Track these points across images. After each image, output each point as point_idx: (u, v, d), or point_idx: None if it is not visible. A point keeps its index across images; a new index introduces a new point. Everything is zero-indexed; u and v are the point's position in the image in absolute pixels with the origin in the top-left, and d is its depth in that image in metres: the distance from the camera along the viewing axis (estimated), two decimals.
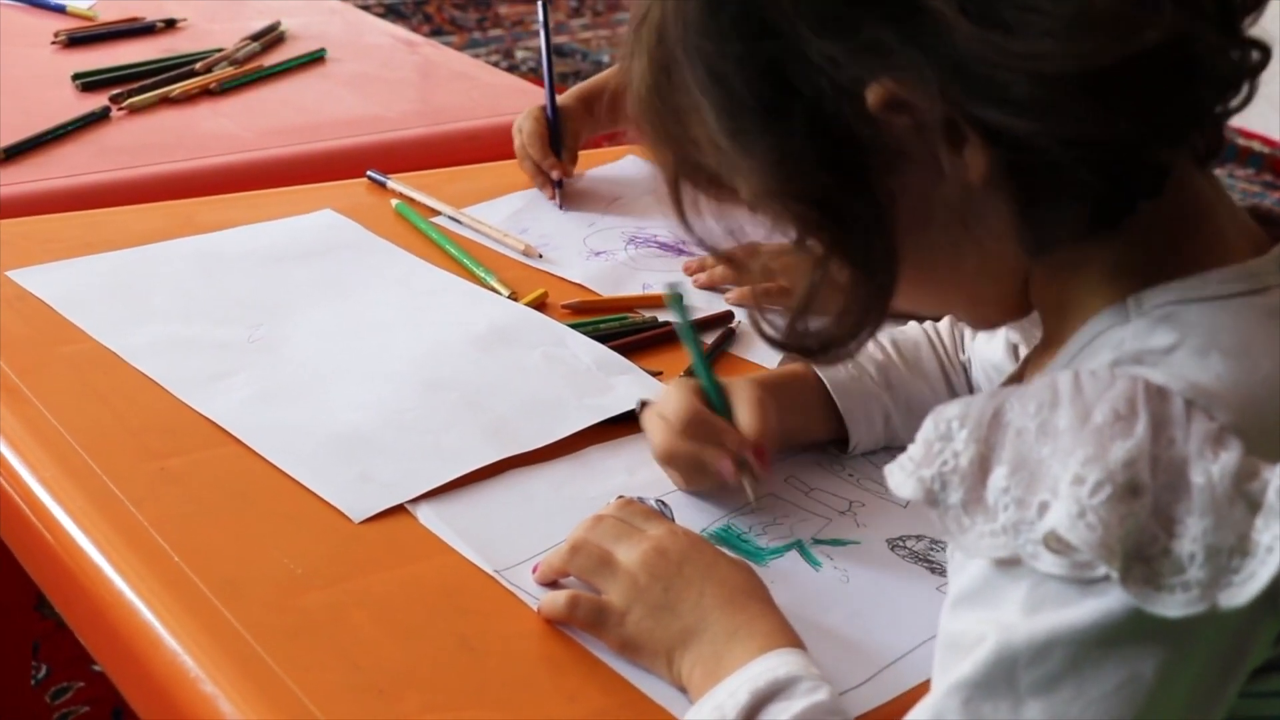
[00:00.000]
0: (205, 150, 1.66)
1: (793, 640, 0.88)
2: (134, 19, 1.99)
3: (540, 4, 1.60)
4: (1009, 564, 0.67)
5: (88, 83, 1.76)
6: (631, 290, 1.40)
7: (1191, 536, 0.63)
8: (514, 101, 1.90)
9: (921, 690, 0.73)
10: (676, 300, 1.13)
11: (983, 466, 0.67)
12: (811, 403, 1.12)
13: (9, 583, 1.54)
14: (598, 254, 1.47)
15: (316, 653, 0.90)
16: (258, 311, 1.28)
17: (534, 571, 0.96)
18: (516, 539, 1.01)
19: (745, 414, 1.06)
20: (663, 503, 1.01)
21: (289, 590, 0.95)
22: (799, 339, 0.79)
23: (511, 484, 1.08)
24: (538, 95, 1.96)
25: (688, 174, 0.80)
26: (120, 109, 1.72)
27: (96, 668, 1.95)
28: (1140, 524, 0.64)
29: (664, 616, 0.90)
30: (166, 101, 1.76)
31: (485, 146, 1.78)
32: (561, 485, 1.08)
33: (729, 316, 1.35)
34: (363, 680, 0.88)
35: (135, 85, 1.76)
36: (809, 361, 0.86)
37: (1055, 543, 0.65)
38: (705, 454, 1.04)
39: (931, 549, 1.02)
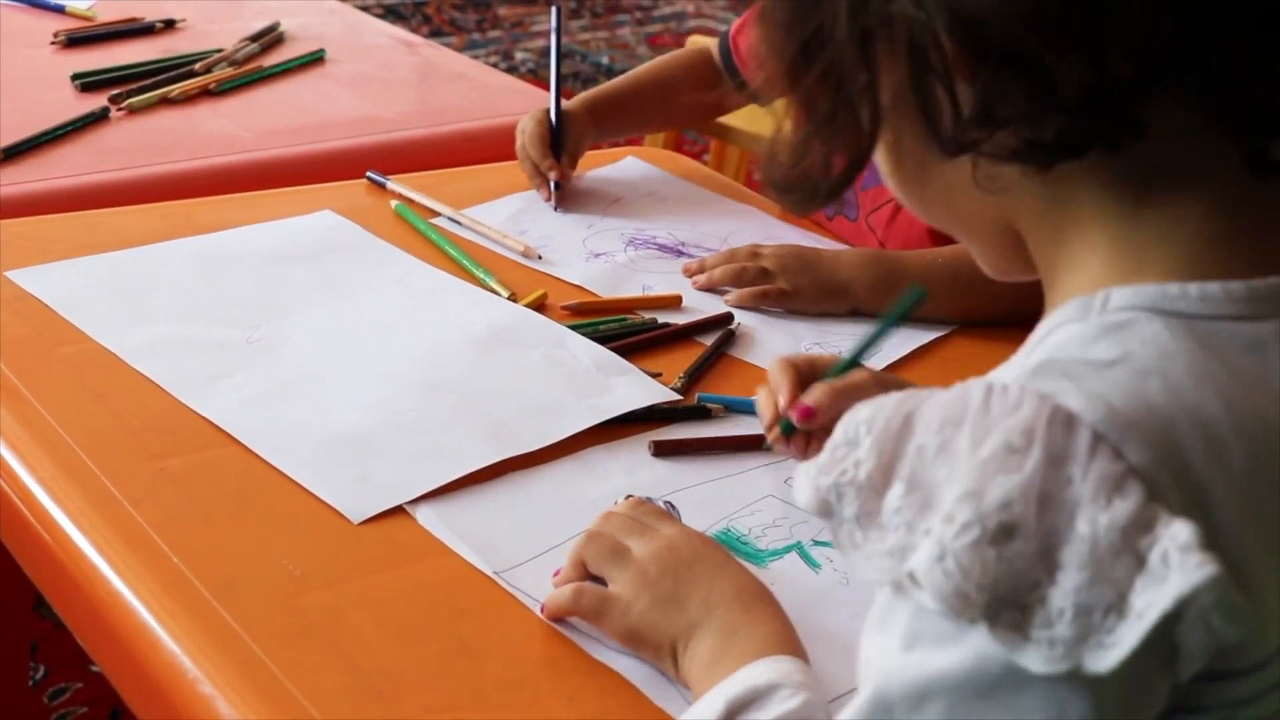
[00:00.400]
0: (204, 151, 1.66)
1: (790, 647, 0.87)
2: (133, 19, 1.98)
3: (554, 9, 1.60)
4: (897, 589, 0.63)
5: (87, 83, 1.76)
6: (631, 292, 1.40)
7: (1065, 589, 0.58)
8: (513, 103, 1.90)
9: None
10: (916, 297, 1.10)
11: (883, 478, 0.62)
12: None
13: (7, 583, 1.54)
14: (597, 255, 1.46)
15: (315, 654, 0.89)
16: (256, 312, 1.28)
17: (554, 575, 0.96)
18: (515, 541, 1.01)
19: (825, 382, 1.06)
20: (670, 504, 1.01)
21: (288, 591, 0.94)
22: (788, 184, 0.76)
23: (511, 485, 1.07)
24: (537, 96, 1.95)
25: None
26: (120, 109, 1.72)
27: (95, 668, 1.95)
28: (1017, 568, 0.59)
29: (670, 609, 0.90)
30: (166, 102, 1.75)
31: (484, 148, 1.78)
32: (561, 486, 1.08)
33: (728, 318, 1.35)
34: (362, 682, 0.88)
35: (135, 86, 1.76)
36: (794, 208, 0.83)
37: (914, 583, 0.60)
38: (764, 400, 1.08)
39: None
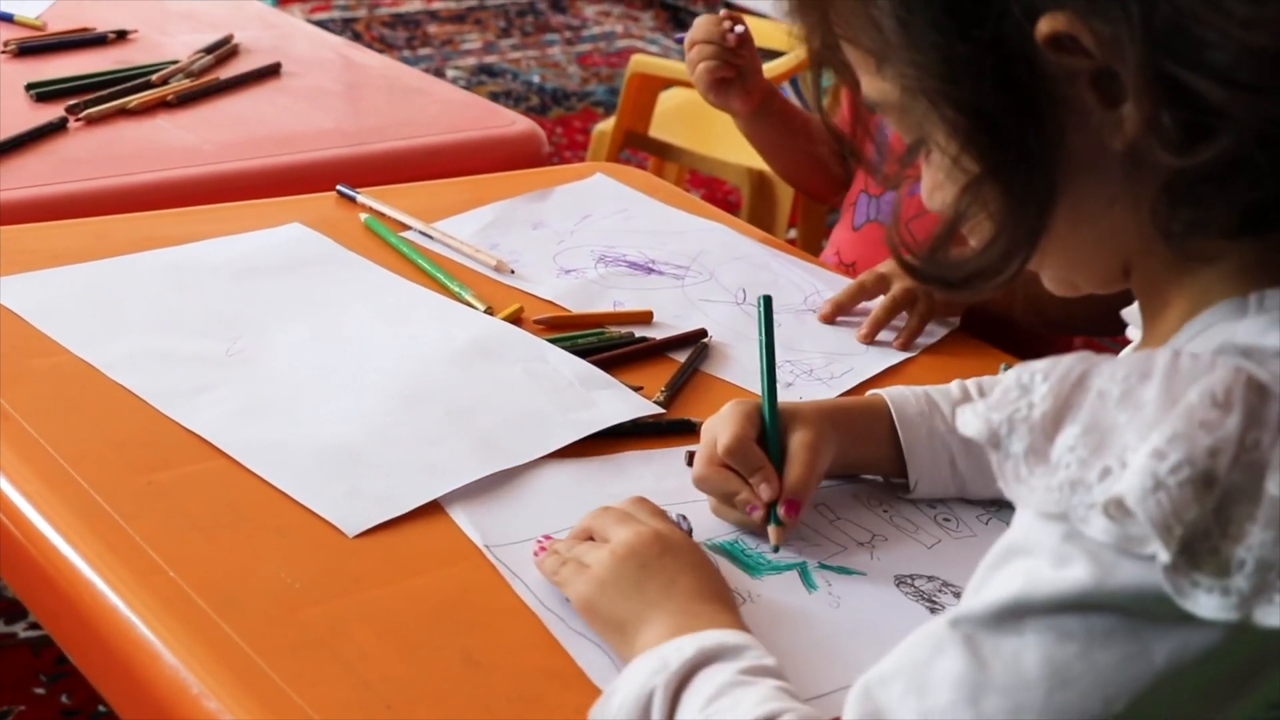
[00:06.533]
0: (166, 163, 1.64)
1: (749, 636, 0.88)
2: (85, 29, 1.96)
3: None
4: (1052, 518, 0.65)
5: (42, 93, 1.74)
6: (603, 307, 1.40)
7: (1248, 544, 0.62)
8: (470, 118, 1.90)
9: None
10: (766, 305, 1.10)
11: (1055, 422, 0.65)
12: (879, 436, 1.10)
13: None
14: (568, 271, 1.46)
15: (321, 668, 0.89)
16: (234, 324, 1.26)
17: (535, 555, 0.99)
18: (513, 520, 1.03)
19: (794, 459, 1.04)
20: (684, 516, 1.01)
21: (288, 605, 0.94)
22: (940, 268, 0.75)
23: (535, 472, 1.10)
24: (493, 111, 1.94)
25: (824, 53, 0.75)
26: (77, 120, 1.69)
27: (39, 690, 1.91)
28: (1200, 516, 0.62)
29: (628, 589, 0.92)
30: (124, 113, 1.73)
31: (444, 162, 1.78)
32: (585, 481, 1.09)
33: (701, 333, 1.35)
34: (370, 695, 0.87)
35: (91, 96, 1.73)
36: (948, 293, 0.82)
37: (1115, 509, 0.63)
38: (739, 490, 1.04)
39: (940, 591, 1.01)
